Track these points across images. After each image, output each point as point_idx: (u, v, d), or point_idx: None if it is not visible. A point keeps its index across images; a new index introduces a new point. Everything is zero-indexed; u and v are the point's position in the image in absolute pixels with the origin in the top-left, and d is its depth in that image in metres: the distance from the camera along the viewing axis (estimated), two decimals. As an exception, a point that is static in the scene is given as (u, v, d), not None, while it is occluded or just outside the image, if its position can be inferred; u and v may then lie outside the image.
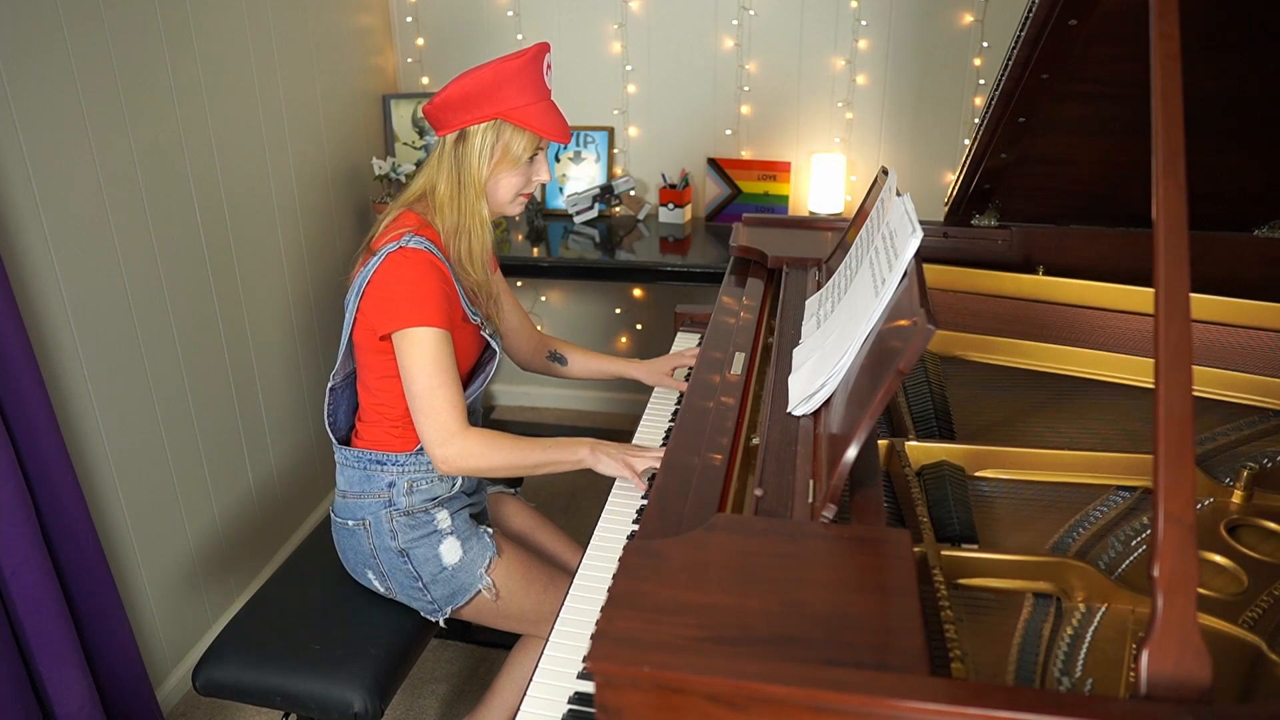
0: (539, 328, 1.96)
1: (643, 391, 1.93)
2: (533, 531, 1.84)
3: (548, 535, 1.84)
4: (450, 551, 1.59)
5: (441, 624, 1.65)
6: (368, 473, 1.61)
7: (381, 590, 1.64)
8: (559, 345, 1.92)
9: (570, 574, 1.33)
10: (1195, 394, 0.99)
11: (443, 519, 1.61)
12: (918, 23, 2.72)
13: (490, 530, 1.65)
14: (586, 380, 1.99)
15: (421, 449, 1.57)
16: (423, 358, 1.46)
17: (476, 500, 1.73)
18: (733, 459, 1.29)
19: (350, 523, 1.62)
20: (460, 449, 1.47)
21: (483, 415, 1.76)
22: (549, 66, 1.53)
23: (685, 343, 2.05)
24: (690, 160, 3.00)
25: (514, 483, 1.98)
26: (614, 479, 1.53)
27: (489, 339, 1.62)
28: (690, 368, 1.78)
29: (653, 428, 1.74)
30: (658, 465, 1.45)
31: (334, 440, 1.66)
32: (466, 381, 1.64)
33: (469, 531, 1.62)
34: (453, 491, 1.63)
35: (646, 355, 3.23)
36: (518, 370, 3.23)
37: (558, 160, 3.05)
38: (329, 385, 1.65)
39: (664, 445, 1.64)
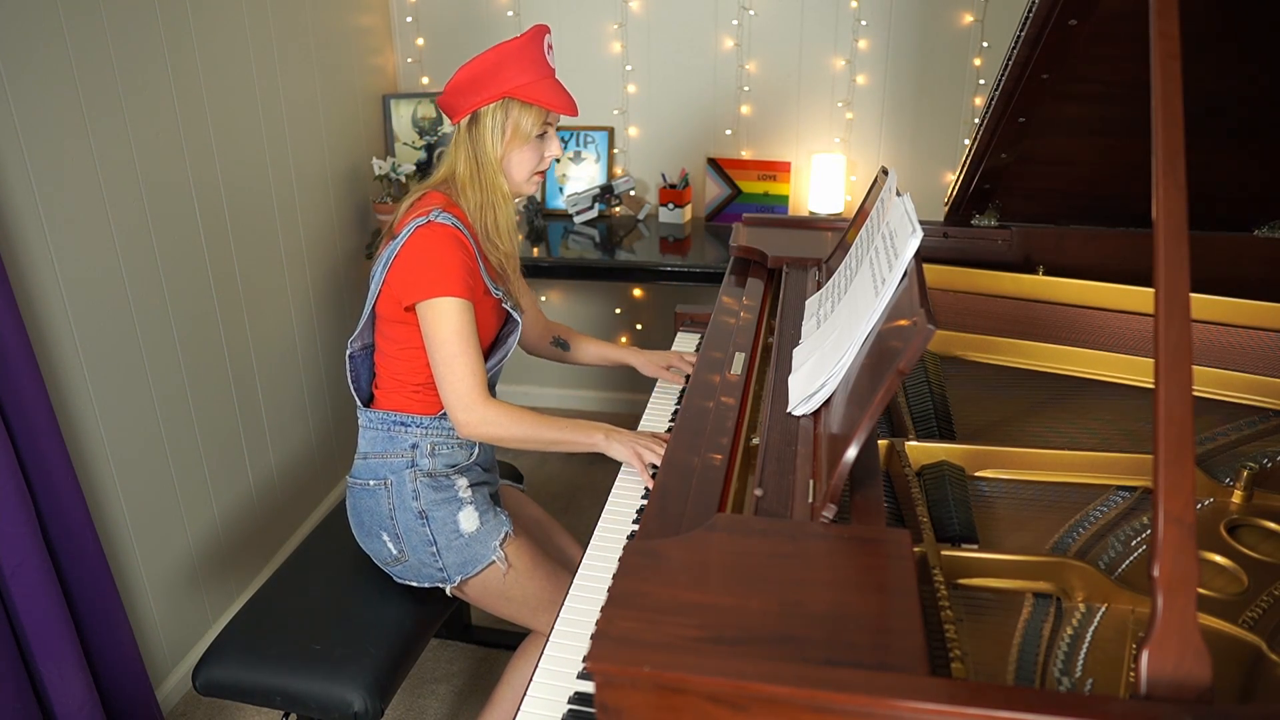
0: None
1: (643, 392, 1.94)
2: (539, 523, 1.88)
3: (554, 529, 1.89)
4: (468, 519, 1.62)
5: (449, 592, 1.65)
6: (391, 434, 1.64)
7: (394, 553, 1.64)
8: (564, 332, 1.97)
9: (573, 570, 1.36)
10: (1195, 394, 0.99)
11: (463, 486, 1.64)
12: (918, 23, 2.72)
13: (506, 513, 1.68)
14: (590, 372, 2.03)
15: (444, 414, 1.62)
16: (447, 326, 1.51)
17: (491, 479, 1.76)
18: (733, 459, 1.29)
19: (371, 482, 1.65)
20: (482, 416, 1.53)
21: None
22: (550, 47, 1.58)
23: (685, 343, 2.05)
24: (690, 160, 3.00)
25: (518, 478, 2.00)
26: (614, 478, 1.55)
27: (510, 310, 1.66)
28: (688, 375, 1.79)
29: (652, 428, 1.74)
30: None
31: (358, 401, 1.70)
32: (487, 354, 1.67)
33: (486, 505, 1.66)
34: (470, 460, 1.67)
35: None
36: (520, 369, 3.24)
37: (558, 161, 3.04)
38: (348, 352, 1.70)
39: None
